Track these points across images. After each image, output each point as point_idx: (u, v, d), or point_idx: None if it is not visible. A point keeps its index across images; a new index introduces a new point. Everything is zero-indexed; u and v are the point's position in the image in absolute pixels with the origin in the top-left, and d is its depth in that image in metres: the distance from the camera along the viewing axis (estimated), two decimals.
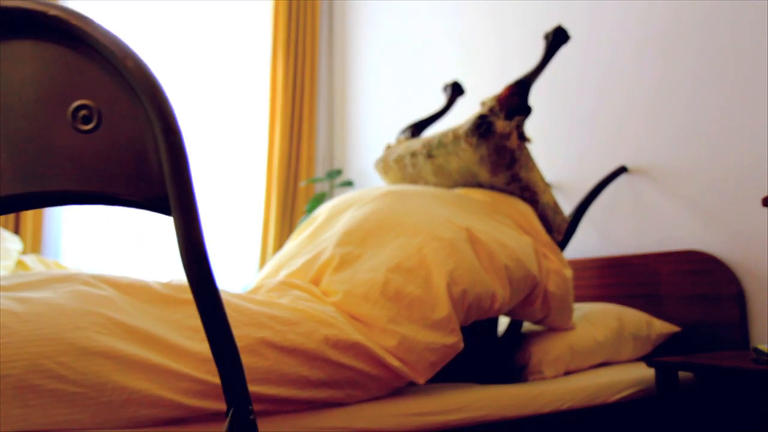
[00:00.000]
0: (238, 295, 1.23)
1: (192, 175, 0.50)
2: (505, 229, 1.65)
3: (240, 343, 1.10)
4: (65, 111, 0.50)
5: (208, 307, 0.52)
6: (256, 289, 1.40)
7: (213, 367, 1.05)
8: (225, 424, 0.53)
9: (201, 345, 1.06)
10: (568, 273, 1.71)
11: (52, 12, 0.48)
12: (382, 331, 1.29)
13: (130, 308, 1.08)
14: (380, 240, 1.48)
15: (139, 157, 0.50)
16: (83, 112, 0.49)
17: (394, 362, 1.26)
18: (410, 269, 1.39)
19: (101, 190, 0.50)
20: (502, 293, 1.47)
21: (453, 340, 1.34)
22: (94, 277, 1.14)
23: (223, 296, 1.20)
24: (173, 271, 3.43)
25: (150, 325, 1.05)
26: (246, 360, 1.09)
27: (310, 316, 1.22)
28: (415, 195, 1.65)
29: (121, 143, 0.50)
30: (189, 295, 1.16)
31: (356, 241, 1.49)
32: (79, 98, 0.49)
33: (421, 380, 1.31)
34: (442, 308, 1.34)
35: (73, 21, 0.48)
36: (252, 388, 1.08)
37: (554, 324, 1.71)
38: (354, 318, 1.32)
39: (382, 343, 1.28)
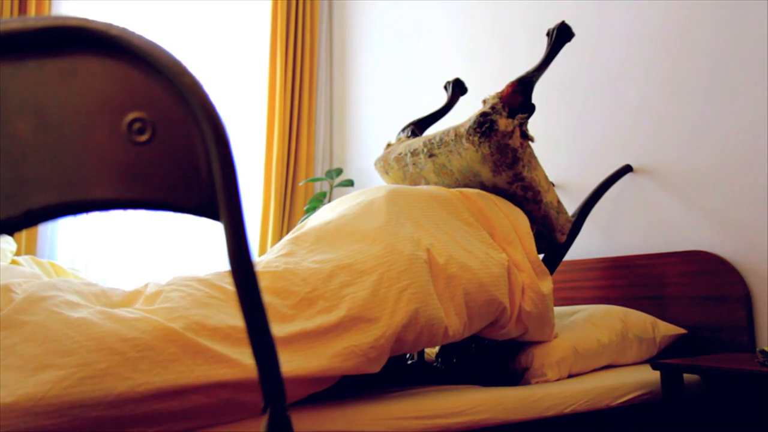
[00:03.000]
0: (102, 312, 1.09)
1: (240, 184, 0.54)
2: (476, 246, 1.57)
3: (80, 373, 0.97)
4: (120, 123, 0.52)
5: (251, 306, 0.55)
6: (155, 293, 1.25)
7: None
8: (264, 422, 0.56)
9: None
10: (546, 288, 1.63)
11: (114, 31, 0.51)
12: (315, 312, 1.22)
13: None
14: (335, 242, 1.44)
15: (190, 166, 0.53)
16: (137, 125, 0.52)
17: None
18: (362, 272, 1.33)
19: (152, 198, 0.53)
20: (456, 322, 1.40)
21: (373, 354, 1.23)
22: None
23: (83, 314, 1.08)
24: (170, 271, 3.41)
25: None
26: (90, 394, 0.96)
27: (172, 337, 1.07)
28: (387, 203, 1.58)
29: (173, 153, 0.53)
30: (27, 316, 1.05)
31: (309, 240, 1.46)
32: (134, 111, 0.53)
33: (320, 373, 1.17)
34: (385, 319, 1.26)
35: (134, 40, 0.51)
36: None
37: (533, 339, 1.66)
38: (279, 292, 1.25)
39: (303, 324, 1.19)
